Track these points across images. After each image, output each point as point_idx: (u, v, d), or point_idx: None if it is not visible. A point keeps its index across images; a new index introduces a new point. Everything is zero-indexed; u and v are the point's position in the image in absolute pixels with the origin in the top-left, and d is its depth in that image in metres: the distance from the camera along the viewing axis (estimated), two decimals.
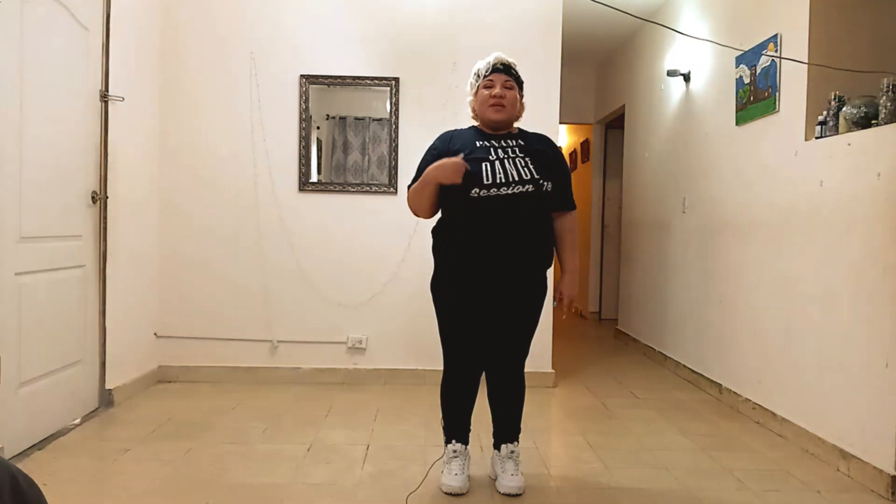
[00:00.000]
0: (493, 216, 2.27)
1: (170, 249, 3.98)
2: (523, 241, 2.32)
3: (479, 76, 2.43)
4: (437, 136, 2.53)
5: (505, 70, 2.42)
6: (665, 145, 4.89)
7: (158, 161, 3.94)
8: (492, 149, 2.36)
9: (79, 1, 3.06)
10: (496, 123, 2.40)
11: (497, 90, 2.37)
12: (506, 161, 2.32)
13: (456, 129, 2.52)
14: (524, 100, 2.47)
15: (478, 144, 2.37)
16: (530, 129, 2.52)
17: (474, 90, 2.44)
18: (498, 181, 2.27)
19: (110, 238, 3.36)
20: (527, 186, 2.28)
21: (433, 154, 2.43)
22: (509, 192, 2.27)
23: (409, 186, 2.47)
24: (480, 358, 2.47)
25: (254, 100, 3.97)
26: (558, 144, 4.11)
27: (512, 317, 2.42)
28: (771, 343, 3.28)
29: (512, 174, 2.28)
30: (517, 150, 2.38)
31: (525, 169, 2.31)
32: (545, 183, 2.32)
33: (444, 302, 2.43)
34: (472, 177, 2.27)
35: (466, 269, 2.35)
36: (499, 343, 2.46)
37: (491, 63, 2.41)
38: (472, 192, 2.27)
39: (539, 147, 2.42)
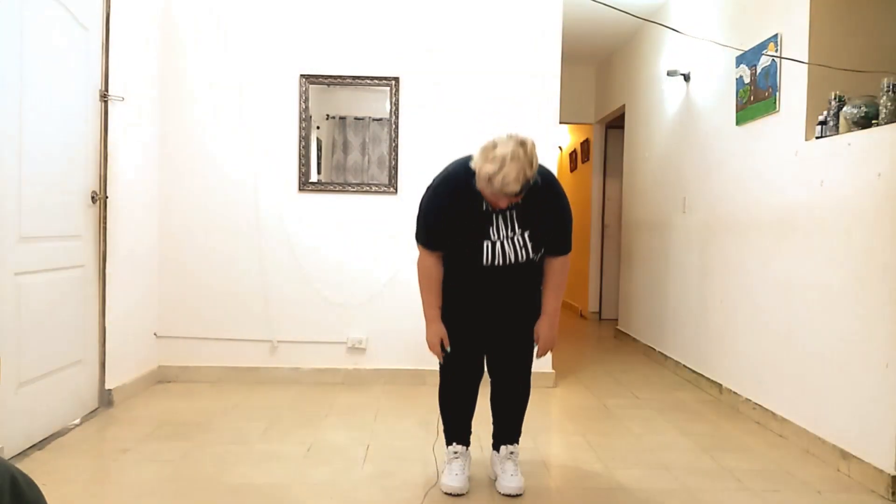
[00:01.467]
0: (487, 280, 2.37)
1: (169, 249, 3.97)
2: (515, 295, 2.41)
3: (489, 184, 2.11)
4: (439, 182, 2.36)
5: (517, 194, 2.15)
6: (665, 145, 4.89)
7: (158, 161, 3.94)
8: (494, 218, 2.29)
9: (79, 1, 3.06)
10: None
11: (503, 203, 2.20)
12: (505, 243, 2.30)
13: (456, 178, 2.29)
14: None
15: (483, 208, 2.27)
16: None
17: (480, 177, 2.13)
18: (496, 263, 2.32)
19: (110, 238, 3.36)
20: (521, 261, 2.33)
21: (439, 212, 2.33)
22: (505, 265, 2.33)
23: (420, 242, 2.39)
24: (477, 368, 2.49)
25: (254, 100, 3.97)
26: (553, 146, 4.12)
27: (510, 329, 2.44)
28: (771, 343, 3.28)
29: (510, 257, 2.31)
30: (516, 221, 2.29)
31: (523, 249, 2.31)
32: (538, 255, 2.36)
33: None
34: (473, 254, 2.31)
35: (460, 312, 2.43)
36: (502, 351, 2.47)
37: (503, 190, 2.10)
38: (471, 265, 2.34)
39: (539, 209, 2.29)
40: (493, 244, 2.30)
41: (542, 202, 2.29)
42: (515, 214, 2.29)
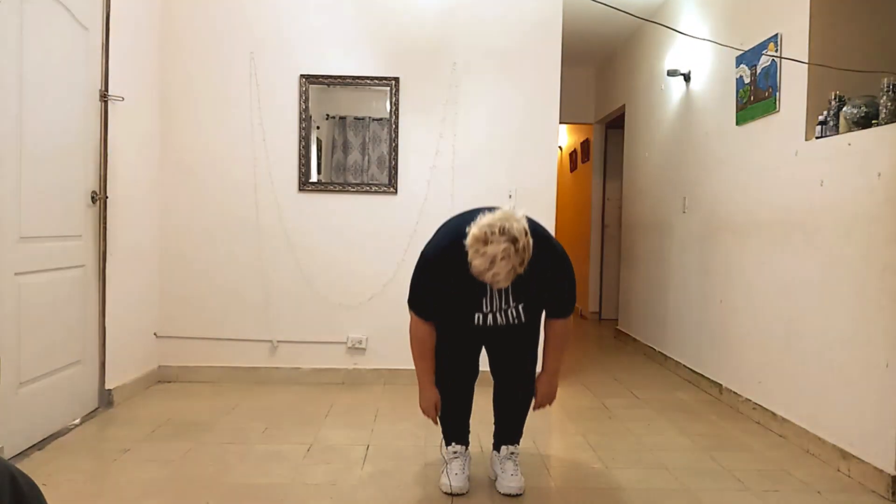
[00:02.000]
0: (480, 335, 2.42)
1: (170, 249, 3.97)
2: (510, 345, 2.45)
3: (479, 275, 2.05)
4: (431, 253, 2.29)
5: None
6: (665, 145, 4.89)
7: (158, 161, 3.94)
8: (487, 291, 2.24)
9: (79, 1, 3.06)
10: None
11: (494, 288, 2.19)
12: (498, 314, 2.29)
13: (449, 252, 2.16)
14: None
15: (474, 283, 2.14)
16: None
17: (470, 265, 2.05)
18: (487, 326, 2.32)
19: (110, 238, 3.36)
20: (514, 324, 2.33)
21: (431, 285, 2.28)
22: (496, 326, 2.33)
23: (412, 308, 2.33)
24: (472, 370, 2.49)
25: (254, 100, 3.97)
26: (554, 146, 4.12)
27: (509, 341, 2.45)
28: (771, 343, 3.28)
29: (500, 324, 2.31)
30: (511, 295, 2.24)
31: (516, 320, 2.30)
32: (533, 317, 2.36)
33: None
34: (464, 321, 2.31)
35: (454, 349, 2.44)
36: (504, 356, 2.48)
37: (493, 284, 2.07)
38: (462, 329, 2.36)
39: (535, 281, 2.19)
40: (485, 315, 2.29)
41: (538, 273, 2.16)
42: (510, 287, 2.19)
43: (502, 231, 1.99)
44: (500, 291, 2.24)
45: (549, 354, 2.43)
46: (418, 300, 2.33)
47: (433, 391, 2.41)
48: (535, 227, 2.16)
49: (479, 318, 2.30)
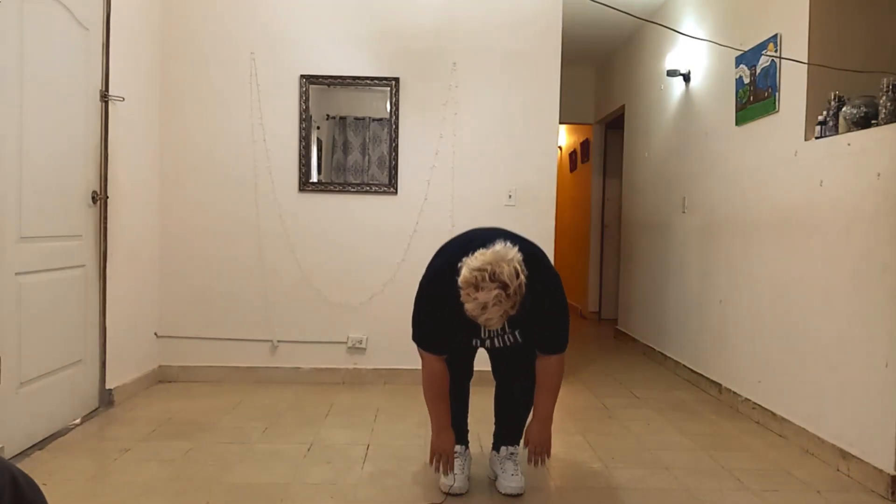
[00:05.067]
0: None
1: (170, 249, 3.98)
2: (510, 361, 2.46)
3: (471, 314, 2.04)
4: (427, 286, 2.28)
5: None
6: (665, 145, 4.89)
7: (159, 161, 3.94)
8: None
9: (79, 1, 3.06)
10: None
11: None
12: (495, 340, 2.31)
13: (445, 287, 2.11)
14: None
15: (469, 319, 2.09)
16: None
17: (464, 306, 2.04)
18: (486, 347, 2.38)
19: (110, 238, 3.36)
20: (511, 346, 2.34)
21: (432, 320, 2.26)
22: (494, 348, 2.37)
23: (420, 345, 2.31)
24: (467, 370, 2.50)
25: (254, 100, 3.97)
26: (554, 147, 4.12)
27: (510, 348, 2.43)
28: (771, 343, 3.28)
29: (499, 346, 2.35)
30: (506, 324, 2.19)
31: (512, 343, 2.32)
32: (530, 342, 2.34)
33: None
34: (462, 347, 2.37)
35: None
36: (505, 359, 2.48)
37: (483, 323, 2.07)
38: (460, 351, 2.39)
39: (530, 312, 2.13)
40: (483, 340, 2.32)
41: (533, 305, 2.12)
42: (506, 322, 2.13)
43: (492, 277, 1.95)
44: None
45: (540, 398, 2.33)
46: (424, 335, 2.29)
47: (450, 434, 2.32)
48: (530, 258, 2.10)
49: (477, 343, 2.36)
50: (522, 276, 2.00)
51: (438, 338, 2.28)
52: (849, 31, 3.04)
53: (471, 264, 2.00)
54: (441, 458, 2.33)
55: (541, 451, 2.36)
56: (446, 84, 4.00)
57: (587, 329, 6.66)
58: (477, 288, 1.96)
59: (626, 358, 5.05)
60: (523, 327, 2.27)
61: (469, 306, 2.00)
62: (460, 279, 2.00)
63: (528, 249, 2.16)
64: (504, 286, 1.95)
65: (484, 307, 1.97)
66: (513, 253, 2.03)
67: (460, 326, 2.21)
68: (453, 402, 2.48)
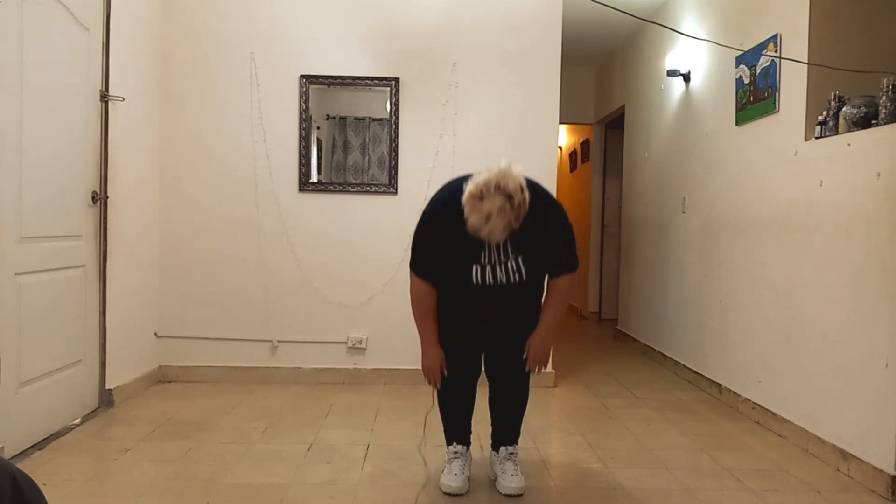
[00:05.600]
0: (481, 298, 2.34)
1: (170, 249, 3.98)
2: (511, 315, 2.39)
3: (474, 231, 2.09)
4: (430, 210, 2.32)
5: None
6: (665, 145, 4.89)
7: (158, 161, 3.94)
8: (485, 245, 2.23)
9: (79, 1, 3.06)
10: None
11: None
12: (497, 267, 2.27)
13: (448, 206, 2.19)
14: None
15: (472, 237, 2.13)
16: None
17: (467, 221, 2.08)
18: (486, 283, 2.29)
19: (110, 238, 3.36)
20: (515, 281, 2.29)
21: (430, 240, 2.31)
22: (497, 285, 2.29)
23: (412, 268, 2.35)
24: (474, 368, 2.49)
25: (254, 100, 3.97)
26: (554, 147, 4.12)
27: (508, 332, 2.43)
28: (771, 343, 3.28)
29: (500, 279, 2.28)
30: (510, 247, 2.24)
31: (515, 274, 2.28)
32: (533, 274, 2.31)
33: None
34: (462, 277, 2.30)
35: (457, 330, 2.42)
36: (500, 353, 2.47)
37: (488, 238, 2.09)
38: (462, 287, 2.31)
39: (534, 233, 2.20)
40: (483, 268, 2.27)
41: (536, 226, 2.18)
42: (508, 240, 2.18)
43: (498, 187, 2.00)
44: (497, 245, 2.23)
45: (546, 310, 2.38)
46: (418, 260, 2.34)
47: (437, 351, 2.38)
48: (533, 185, 2.17)
49: (477, 271, 2.27)
50: (526, 193, 2.05)
51: (433, 263, 2.31)
52: (849, 31, 3.04)
53: (476, 179, 2.06)
54: (431, 373, 2.39)
55: (539, 359, 2.38)
56: (446, 84, 3.99)
57: (587, 329, 6.66)
58: (482, 198, 2.01)
59: (626, 358, 5.05)
60: (526, 252, 2.26)
61: (473, 218, 2.03)
62: (465, 195, 2.05)
63: (530, 180, 2.20)
64: (509, 197, 2.00)
65: (488, 217, 2.00)
66: (517, 171, 2.09)
67: (461, 250, 2.24)
68: (461, 403, 2.50)
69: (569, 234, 2.32)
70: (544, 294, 2.42)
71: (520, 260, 2.26)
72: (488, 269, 2.27)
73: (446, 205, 2.22)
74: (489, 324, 2.41)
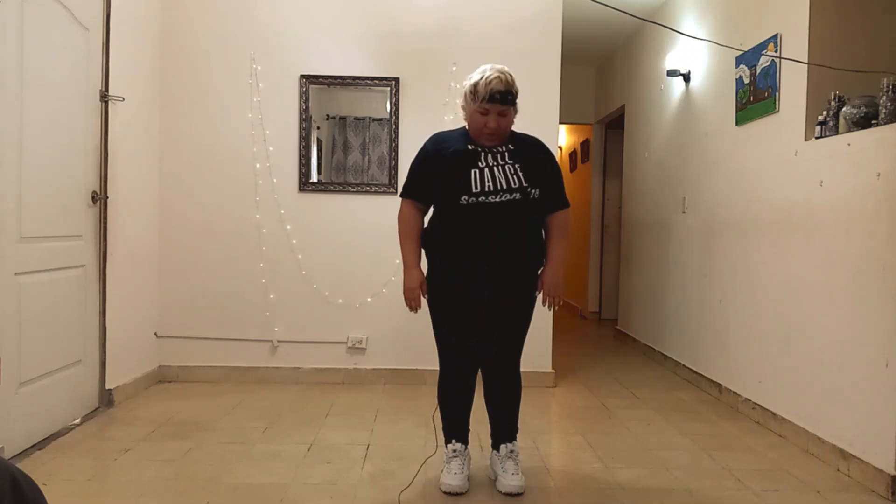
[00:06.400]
0: (481, 224, 2.32)
1: (170, 249, 3.98)
2: (511, 248, 2.36)
3: (475, 96, 2.29)
4: (429, 136, 2.51)
5: (502, 99, 2.28)
6: (665, 145, 4.89)
7: (158, 161, 3.94)
8: (482, 154, 2.36)
9: (79, 1, 3.06)
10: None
11: (492, 123, 2.30)
12: (495, 168, 2.33)
13: (447, 131, 2.51)
14: (520, 104, 2.42)
15: (469, 148, 2.36)
16: (530, 131, 2.52)
17: (468, 105, 2.34)
18: (486, 189, 2.29)
19: (110, 238, 3.36)
20: (514, 195, 2.30)
21: (424, 157, 2.44)
22: (497, 200, 2.30)
23: (402, 193, 2.49)
24: (472, 368, 2.49)
25: (254, 100, 3.97)
26: (553, 146, 4.12)
27: (504, 316, 2.42)
28: (771, 343, 3.28)
29: (500, 182, 2.30)
30: (506, 155, 2.36)
31: (514, 176, 2.32)
32: (532, 191, 2.33)
33: (437, 303, 2.46)
34: (461, 184, 2.30)
35: (457, 273, 2.39)
36: (493, 340, 2.46)
37: (488, 91, 2.26)
38: (461, 199, 2.30)
39: (528, 152, 2.40)
40: (482, 170, 2.32)
41: (530, 147, 2.43)
42: (506, 150, 2.37)
43: (492, 67, 2.32)
44: (495, 153, 2.36)
45: (551, 243, 2.46)
46: (412, 184, 2.45)
47: (418, 272, 2.43)
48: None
49: (476, 175, 2.30)
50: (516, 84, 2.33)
51: (427, 184, 2.40)
52: (849, 30, 3.04)
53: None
54: (412, 293, 2.43)
55: (554, 293, 2.45)
56: (446, 84, 3.99)
57: (587, 329, 6.66)
58: (479, 71, 2.32)
59: (626, 358, 5.05)
60: (523, 164, 2.34)
61: (472, 79, 2.31)
62: (466, 85, 2.33)
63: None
64: (502, 70, 2.31)
65: (484, 70, 2.31)
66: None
67: (460, 157, 2.34)
68: (460, 403, 2.50)
69: (560, 174, 2.50)
70: (544, 234, 2.49)
71: (517, 167, 2.34)
72: (486, 171, 2.32)
73: (445, 132, 2.51)
74: (489, 264, 2.34)
